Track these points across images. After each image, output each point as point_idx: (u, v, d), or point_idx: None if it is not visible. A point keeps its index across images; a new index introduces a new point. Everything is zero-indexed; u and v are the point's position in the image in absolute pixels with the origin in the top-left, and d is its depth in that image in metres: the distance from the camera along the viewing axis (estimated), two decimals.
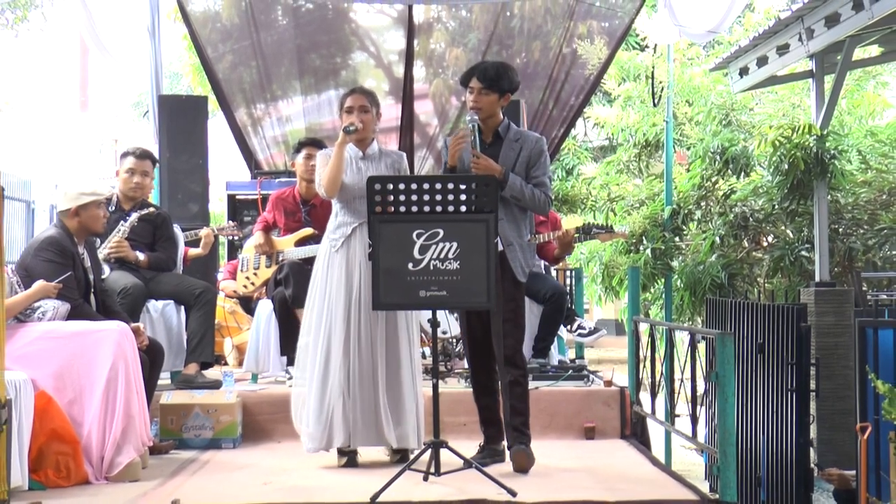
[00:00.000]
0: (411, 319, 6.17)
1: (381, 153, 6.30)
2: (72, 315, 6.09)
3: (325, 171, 6.09)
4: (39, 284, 5.97)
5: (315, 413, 5.99)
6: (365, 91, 6.40)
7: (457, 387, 7.35)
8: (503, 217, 5.90)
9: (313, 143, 8.00)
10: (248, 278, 8.09)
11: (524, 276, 6.01)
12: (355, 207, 6.07)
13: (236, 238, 9.39)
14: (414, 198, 5.44)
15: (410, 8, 11.16)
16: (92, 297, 6.40)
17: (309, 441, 6.04)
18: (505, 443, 6.10)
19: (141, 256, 7.43)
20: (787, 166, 9.00)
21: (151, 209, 7.61)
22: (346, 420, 5.94)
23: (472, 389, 6.26)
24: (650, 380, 6.92)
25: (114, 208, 7.36)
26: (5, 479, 4.07)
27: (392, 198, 5.44)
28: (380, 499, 5.11)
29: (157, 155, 8.55)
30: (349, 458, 6.05)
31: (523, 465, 5.85)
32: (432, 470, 5.44)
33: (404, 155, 6.49)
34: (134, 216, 7.40)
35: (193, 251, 8.26)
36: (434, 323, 5.62)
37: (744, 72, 9.69)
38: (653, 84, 10.85)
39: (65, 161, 23.75)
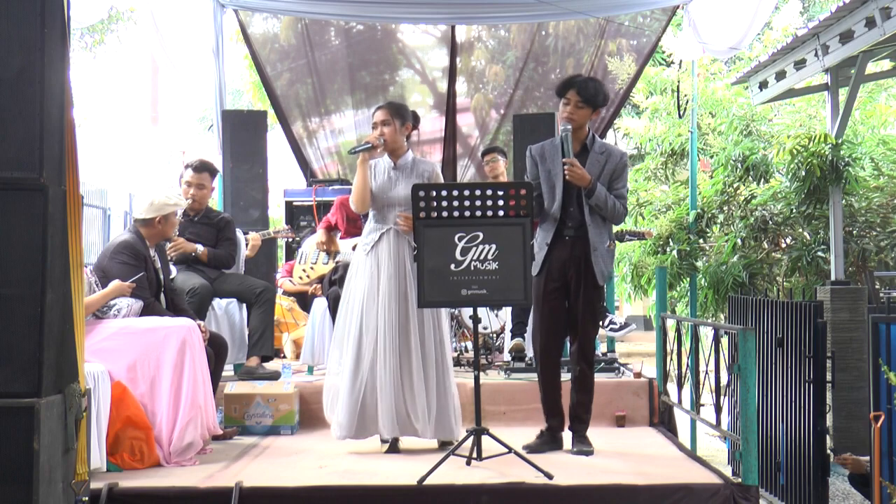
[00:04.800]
0: (439, 319, 6.03)
1: (413, 163, 6.11)
2: (144, 312, 6.15)
3: (353, 189, 6.05)
4: (115, 284, 6.03)
5: (346, 404, 5.91)
6: (388, 105, 6.16)
7: (497, 378, 7.34)
8: (591, 223, 5.83)
9: None
10: (304, 271, 8.12)
11: (603, 280, 5.92)
12: (384, 215, 6.00)
13: (291, 240, 9.45)
14: (455, 203, 5.42)
15: (453, 28, 11.20)
16: (162, 297, 6.45)
17: (338, 429, 5.95)
18: (564, 432, 6.09)
19: (200, 248, 7.46)
20: (804, 173, 8.91)
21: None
22: (378, 412, 5.86)
23: (539, 383, 6.10)
24: (677, 372, 6.88)
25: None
26: (86, 461, 4.11)
27: (435, 203, 5.43)
28: (426, 482, 5.11)
29: (220, 165, 8.59)
30: (391, 445, 6.02)
31: (585, 449, 5.91)
32: (474, 455, 5.43)
33: (436, 165, 6.27)
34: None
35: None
36: (476, 319, 5.62)
37: (763, 85, 9.60)
38: (678, 97, 10.78)
39: (137, 171, 23.98)
